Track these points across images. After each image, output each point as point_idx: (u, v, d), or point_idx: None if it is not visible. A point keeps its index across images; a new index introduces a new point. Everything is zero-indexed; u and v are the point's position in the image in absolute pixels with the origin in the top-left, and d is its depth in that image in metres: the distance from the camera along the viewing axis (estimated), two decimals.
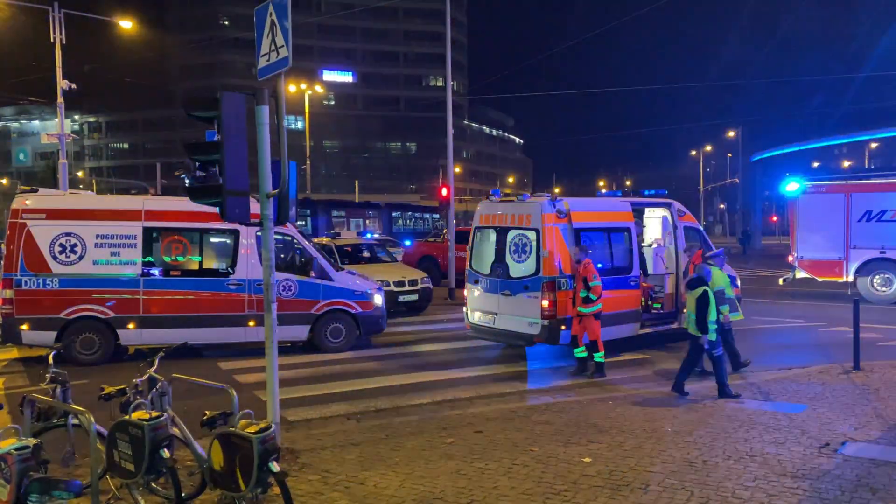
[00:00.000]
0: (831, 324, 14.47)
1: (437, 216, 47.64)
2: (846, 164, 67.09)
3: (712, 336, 9.11)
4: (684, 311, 12.96)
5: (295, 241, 12.81)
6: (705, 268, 9.71)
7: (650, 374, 11.01)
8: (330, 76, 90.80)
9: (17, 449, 4.22)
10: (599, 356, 10.64)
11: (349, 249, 19.07)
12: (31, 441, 4.39)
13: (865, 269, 18.79)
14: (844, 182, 20.05)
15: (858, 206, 18.80)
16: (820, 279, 19.57)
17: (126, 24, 28.55)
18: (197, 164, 6.57)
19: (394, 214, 41.09)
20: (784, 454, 6.81)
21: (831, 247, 19.08)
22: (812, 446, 7.04)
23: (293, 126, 65.51)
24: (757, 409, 8.50)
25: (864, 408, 8.45)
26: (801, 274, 19.76)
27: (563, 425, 7.88)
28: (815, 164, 63.79)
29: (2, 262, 12.20)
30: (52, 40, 24.60)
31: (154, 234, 12.02)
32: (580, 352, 10.75)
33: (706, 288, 9.13)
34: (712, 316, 9.08)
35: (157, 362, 6.04)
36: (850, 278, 18.90)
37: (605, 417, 8.19)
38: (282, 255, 12.51)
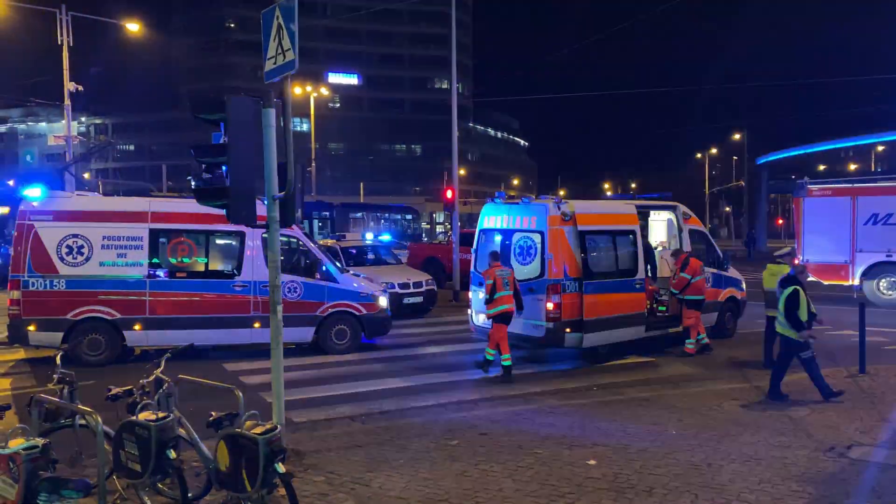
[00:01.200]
0: (837, 327, 14.40)
1: (409, 216, 43.53)
2: (853, 167, 66.86)
3: (792, 334, 9.09)
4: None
5: (300, 242, 12.84)
6: (793, 269, 9.79)
7: (655, 377, 11.00)
8: (335, 78, 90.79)
9: (25, 449, 4.26)
10: (504, 359, 10.76)
11: (354, 251, 19.18)
12: (40, 441, 4.42)
13: (872, 272, 18.75)
14: (850, 185, 20.00)
15: (865, 210, 18.76)
16: (825, 282, 19.50)
17: (133, 27, 28.72)
18: (203, 166, 6.61)
19: (352, 216, 37.66)
20: (789, 457, 6.81)
21: (837, 250, 19.05)
22: (817, 450, 7.04)
23: (298, 128, 65.48)
24: (762, 412, 8.50)
25: (870, 412, 8.44)
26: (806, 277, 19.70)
27: (567, 428, 7.89)
28: (822, 168, 63.55)
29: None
30: (59, 42, 24.74)
31: (160, 236, 12.05)
32: (490, 353, 10.98)
33: (797, 287, 9.15)
34: (803, 316, 9.06)
35: (163, 363, 6.06)
36: (857, 281, 18.86)
37: (609, 420, 8.20)
38: (287, 257, 12.53)
